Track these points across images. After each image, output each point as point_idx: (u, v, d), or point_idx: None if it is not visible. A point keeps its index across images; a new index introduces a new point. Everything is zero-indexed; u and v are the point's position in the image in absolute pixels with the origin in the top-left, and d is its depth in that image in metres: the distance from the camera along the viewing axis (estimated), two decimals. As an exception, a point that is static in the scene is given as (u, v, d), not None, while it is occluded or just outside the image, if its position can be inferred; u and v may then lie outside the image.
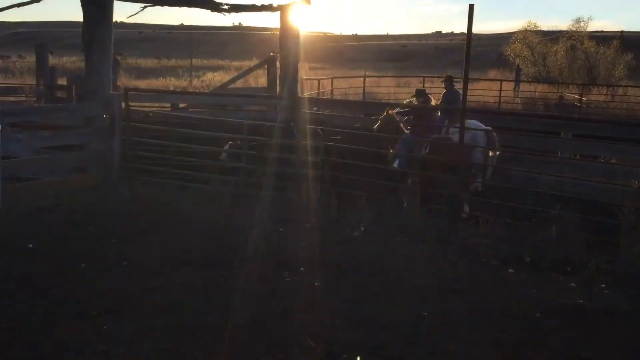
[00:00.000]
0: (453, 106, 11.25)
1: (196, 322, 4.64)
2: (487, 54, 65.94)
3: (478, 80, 28.48)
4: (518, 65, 36.60)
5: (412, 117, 10.14)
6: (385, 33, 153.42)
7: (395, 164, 9.47)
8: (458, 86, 12.86)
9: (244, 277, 5.62)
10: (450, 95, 12.24)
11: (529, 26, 43.81)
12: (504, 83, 25.16)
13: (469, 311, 5.03)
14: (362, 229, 7.30)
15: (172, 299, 5.04)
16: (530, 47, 40.38)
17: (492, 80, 30.08)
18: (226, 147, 9.43)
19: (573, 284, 5.77)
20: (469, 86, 8.02)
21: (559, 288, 5.66)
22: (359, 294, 5.32)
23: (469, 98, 10.42)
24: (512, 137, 10.07)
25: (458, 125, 9.81)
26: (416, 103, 10.56)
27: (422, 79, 27.72)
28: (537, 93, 27.97)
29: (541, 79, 36.05)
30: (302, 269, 5.88)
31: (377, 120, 10.29)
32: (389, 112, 10.46)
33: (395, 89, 28.72)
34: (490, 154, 9.80)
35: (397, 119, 10.18)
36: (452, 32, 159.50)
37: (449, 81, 12.62)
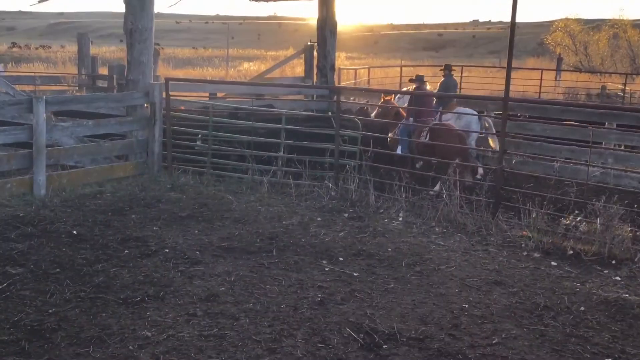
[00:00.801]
0: (449, 93, 11.56)
1: (236, 309, 4.69)
2: (526, 43, 64.73)
3: (517, 69, 27.96)
4: (560, 54, 35.81)
5: (408, 102, 10.40)
6: (422, 22, 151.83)
7: (399, 150, 9.62)
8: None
9: (283, 265, 5.65)
10: (447, 83, 12.61)
11: (569, 14, 42.87)
12: (544, 72, 24.61)
13: (511, 304, 4.96)
14: (401, 219, 7.26)
15: (213, 286, 5.10)
16: (571, 35, 39.47)
17: (531, 69, 29.48)
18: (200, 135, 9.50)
19: (618, 278, 5.65)
20: (504, 74, 7.90)
21: (604, 282, 5.55)
22: (398, 284, 5.30)
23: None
24: (555, 128, 9.87)
25: (452, 111, 10.20)
26: (412, 88, 10.88)
27: (459, 68, 27.27)
28: (578, 82, 27.31)
29: (583, 68, 35.21)
30: (340, 258, 5.88)
31: (375, 107, 10.54)
32: (385, 98, 10.64)
33: (432, 79, 28.38)
34: (490, 140, 9.92)
35: (396, 104, 10.46)
36: (489, 21, 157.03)
37: (447, 69, 12.93)
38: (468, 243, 6.48)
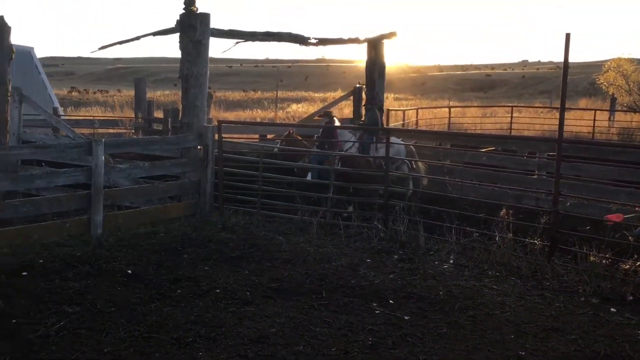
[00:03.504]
0: (374, 127, 12.70)
1: (287, 351, 4.67)
2: (577, 83, 63.78)
3: (570, 109, 27.51)
4: (613, 94, 35.09)
5: (320, 135, 11.63)
6: (469, 63, 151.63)
7: (309, 177, 10.31)
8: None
9: (333, 307, 5.61)
10: (372, 117, 13.73)
11: (622, 54, 41.97)
12: (597, 113, 24.14)
13: (569, 352, 4.79)
14: (452, 261, 7.15)
15: (263, 327, 5.10)
16: (624, 75, 38.64)
17: (584, 109, 28.97)
18: None
19: (683, 326, 5.39)
20: (555, 115, 7.93)
21: (668, 330, 5.30)
22: (451, 329, 5.19)
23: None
24: (611, 169, 9.62)
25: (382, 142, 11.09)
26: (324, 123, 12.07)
27: (509, 108, 27.01)
28: (633, 123, 26.63)
29: (637, 108, 34.33)
30: (391, 301, 5.81)
31: (280, 140, 11.46)
32: (291, 132, 11.62)
33: (482, 119, 28.19)
34: (413, 165, 10.97)
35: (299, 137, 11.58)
36: (539, 61, 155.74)
37: (369, 104, 14.17)
38: (523, 287, 6.31)
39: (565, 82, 6.88)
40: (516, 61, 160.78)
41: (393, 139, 11.40)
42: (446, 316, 5.47)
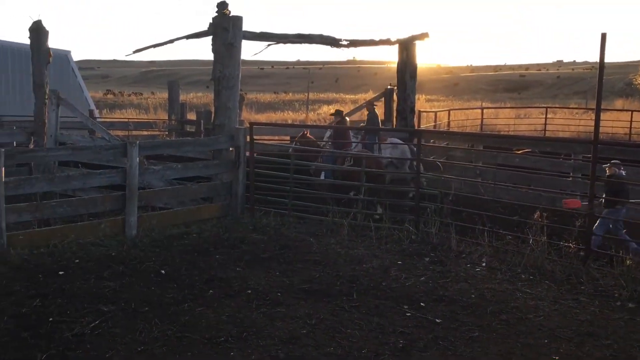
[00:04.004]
0: (373, 127, 13.22)
1: (318, 353, 4.68)
2: (613, 83, 62.54)
3: (605, 110, 26.97)
4: (650, 94, 34.33)
5: (332, 134, 11.79)
6: (503, 63, 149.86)
7: (322, 176, 10.27)
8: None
9: (364, 309, 5.61)
10: (372, 118, 14.57)
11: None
12: (634, 113, 23.59)
13: (605, 357, 4.71)
14: (484, 264, 7.08)
15: (294, 328, 5.12)
16: (663, 74, 37.75)
17: (620, 110, 28.37)
18: None
19: None
20: (591, 116, 7.78)
21: None
22: (483, 333, 5.14)
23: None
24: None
25: (386, 142, 11.66)
26: (334, 122, 12.41)
27: (543, 109, 26.57)
28: (671, 124, 25.97)
29: (676, 108, 33.47)
30: (422, 303, 5.78)
31: (295, 141, 11.53)
32: (305, 133, 11.71)
33: (515, 121, 27.80)
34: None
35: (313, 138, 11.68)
36: (574, 61, 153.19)
37: (370, 105, 15.06)
38: (557, 291, 6.21)
39: (601, 82, 6.76)
40: (551, 61, 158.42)
41: (395, 140, 11.68)
42: (478, 319, 5.42)
